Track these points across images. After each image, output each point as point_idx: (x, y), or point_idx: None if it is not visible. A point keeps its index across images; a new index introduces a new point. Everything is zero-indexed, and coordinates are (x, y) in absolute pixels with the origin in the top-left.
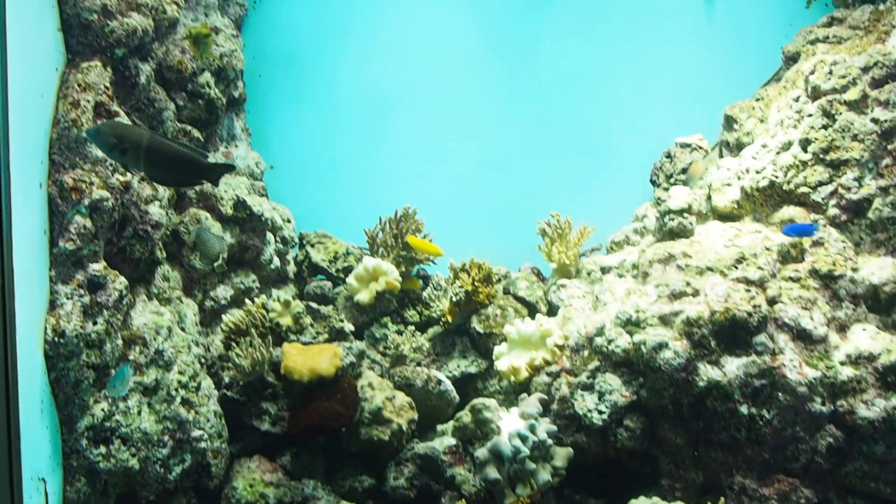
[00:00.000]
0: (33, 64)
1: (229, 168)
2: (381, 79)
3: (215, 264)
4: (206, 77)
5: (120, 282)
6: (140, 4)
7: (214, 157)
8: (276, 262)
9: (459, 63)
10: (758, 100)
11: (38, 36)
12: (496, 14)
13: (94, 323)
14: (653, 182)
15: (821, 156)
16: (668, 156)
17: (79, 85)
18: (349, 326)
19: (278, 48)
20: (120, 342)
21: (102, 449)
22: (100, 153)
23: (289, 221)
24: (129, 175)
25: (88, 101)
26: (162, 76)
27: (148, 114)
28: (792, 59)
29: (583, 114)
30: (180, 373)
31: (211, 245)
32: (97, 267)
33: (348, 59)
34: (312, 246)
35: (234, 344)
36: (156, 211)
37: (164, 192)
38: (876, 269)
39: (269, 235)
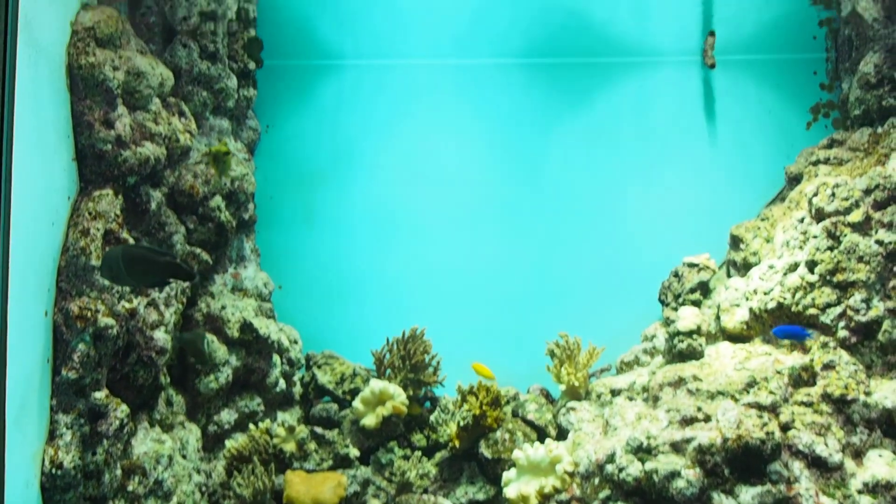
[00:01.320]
0: (46, 193)
1: (191, 275)
2: (390, 199)
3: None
4: (217, 201)
5: (121, 410)
6: (154, 134)
7: (223, 279)
8: (282, 384)
9: (468, 184)
10: (763, 219)
11: (53, 166)
12: (505, 136)
13: (94, 453)
14: (661, 301)
15: (828, 277)
16: (677, 275)
17: (89, 213)
18: (354, 452)
19: (289, 170)
20: (119, 472)
21: None
22: (106, 281)
23: (296, 342)
24: (135, 301)
25: (98, 230)
26: (173, 200)
27: (158, 238)
28: (795, 179)
29: (591, 233)
30: (180, 503)
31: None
32: (99, 395)
33: (358, 179)
34: (319, 367)
35: (236, 471)
36: (161, 336)
37: (171, 316)
38: (889, 392)
39: (276, 357)
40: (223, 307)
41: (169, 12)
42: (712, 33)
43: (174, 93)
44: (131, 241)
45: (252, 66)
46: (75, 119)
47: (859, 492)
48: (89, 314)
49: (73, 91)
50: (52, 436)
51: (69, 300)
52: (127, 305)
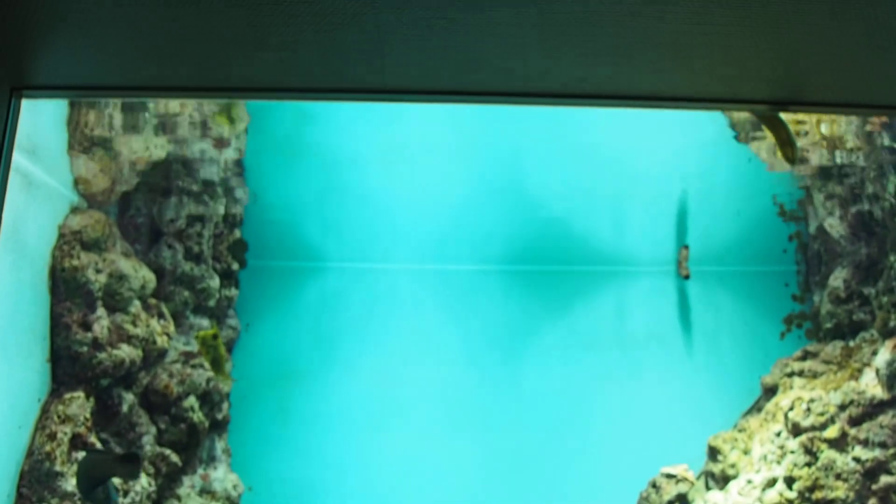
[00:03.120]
0: (17, 396)
1: (135, 457)
2: (367, 400)
3: None
4: (191, 401)
5: None
6: (131, 336)
7: (192, 480)
8: None
9: (445, 387)
10: (740, 430)
11: (26, 368)
12: (484, 340)
13: None
14: None
15: (806, 494)
16: (654, 486)
17: (58, 416)
18: None
19: (266, 368)
20: None
21: None
22: (69, 487)
23: None
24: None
25: (66, 434)
26: (147, 399)
27: (128, 439)
28: (771, 390)
29: (568, 440)
30: None
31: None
32: None
33: (334, 379)
34: None
35: None
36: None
37: None
38: None
39: None
40: None
41: (157, 214)
42: (686, 247)
43: (155, 294)
44: (98, 444)
45: (235, 266)
46: (53, 320)
47: None
48: None
49: (55, 293)
50: None
51: None
52: None
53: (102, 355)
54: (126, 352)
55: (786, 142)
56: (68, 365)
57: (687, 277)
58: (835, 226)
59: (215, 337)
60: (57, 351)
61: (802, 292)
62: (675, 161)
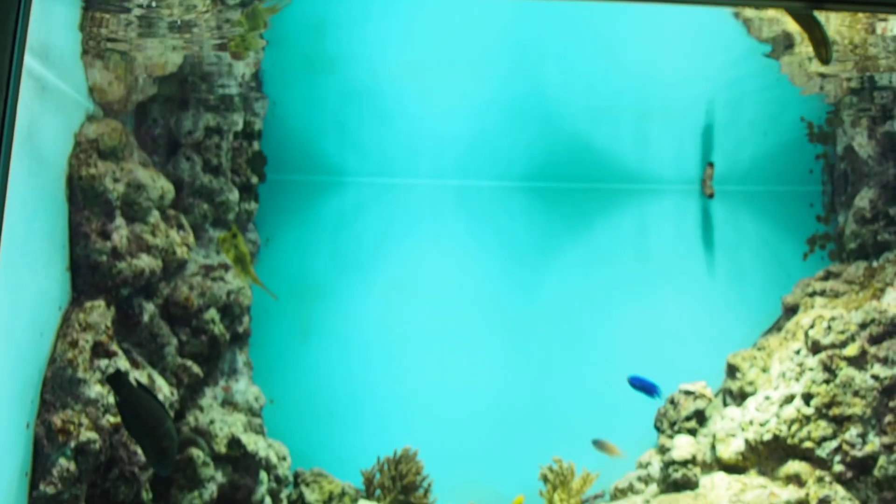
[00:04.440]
0: (37, 303)
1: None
2: (387, 316)
3: None
4: (212, 313)
5: None
6: (151, 246)
7: (213, 392)
8: (269, 501)
9: (466, 303)
10: (759, 349)
11: (46, 276)
12: (504, 257)
13: None
14: (657, 428)
15: (824, 410)
16: (673, 402)
17: (80, 325)
18: None
19: (287, 283)
20: None
21: None
22: (92, 394)
23: (284, 459)
24: (119, 417)
25: (87, 342)
26: (167, 311)
27: (149, 349)
28: (791, 309)
29: (588, 357)
30: None
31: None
32: None
33: (355, 295)
34: (307, 485)
35: None
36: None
37: None
38: None
39: (263, 474)
40: (212, 421)
41: (174, 125)
42: (711, 164)
43: (174, 205)
44: (121, 353)
45: (255, 179)
46: (72, 229)
47: None
48: (72, 428)
49: (72, 201)
50: None
51: (52, 412)
52: (112, 419)
53: (122, 265)
54: (146, 262)
55: (820, 42)
56: (88, 274)
57: (711, 196)
58: (863, 145)
59: (234, 236)
60: (76, 260)
61: (827, 213)
62: (703, 78)
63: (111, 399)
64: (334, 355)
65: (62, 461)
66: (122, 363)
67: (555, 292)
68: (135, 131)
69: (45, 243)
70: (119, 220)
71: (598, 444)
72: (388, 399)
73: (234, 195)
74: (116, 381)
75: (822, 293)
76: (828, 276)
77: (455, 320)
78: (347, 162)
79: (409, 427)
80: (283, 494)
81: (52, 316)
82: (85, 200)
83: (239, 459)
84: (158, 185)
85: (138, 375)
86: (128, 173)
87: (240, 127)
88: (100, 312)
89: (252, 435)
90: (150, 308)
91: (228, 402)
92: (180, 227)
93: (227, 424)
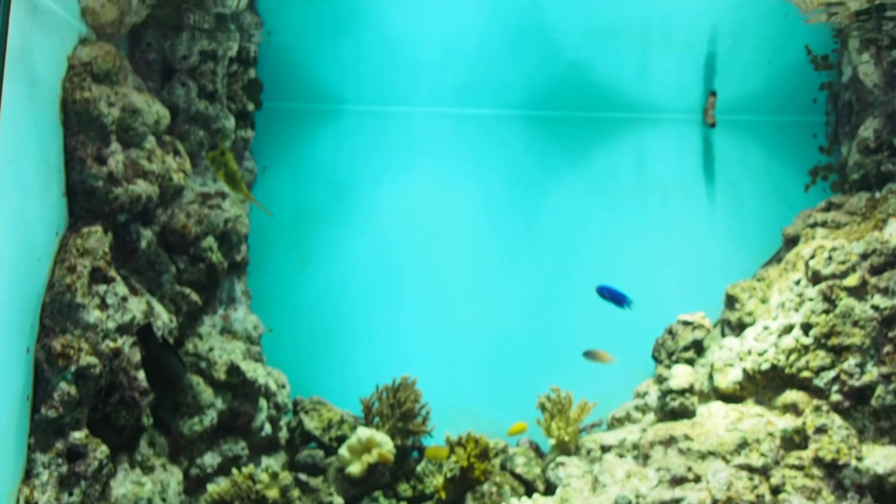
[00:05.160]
0: (34, 228)
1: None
2: (385, 245)
3: None
4: (210, 241)
5: (101, 451)
6: (147, 172)
7: (212, 320)
8: (268, 428)
9: (464, 233)
10: (759, 280)
11: (42, 202)
12: (503, 186)
13: (70, 494)
14: (655, 358)
15: (822, 340)
16: (671, 332)
17: (77, 250)
18: (339, 500)
19: (284, 212)
20: None
21: None
22: (91, 319)
23: (283, 387)
24: (119, 341)
25: (85, 267)
26: (165, 239)
27: (147, 277)
28: (792, 241)
29: (586, 287)
30: None
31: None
32: (78, 435)
33: (353, 224)
34: (306, 413)
35: None
36: (145, 377)
37: None
38: (881, 458)
39: (262, 401)
40: (211, 349)
41: (169, 50)
42: (713, 93)
43: (170, 131)
44: (119, 279)
45: (251, 107)
46: (67, 154)
47: None
48: (72, 352)
49: (67, 126)
50: (29, 475)
51: (52, 337)
52: (111, 344)
53: (118, 190)
54: (142, 188)
55: None
56: (84, 199)
57: (713, 126)
58: (869, 74)
59: (223, 153)
60: (72, 185)
61: (830, 144)
62: (707, 4)
63: (110, 325)
64: (333, 284)
65: (63, 385)
66: (121, 288)
67: (554, 222)
68: (128, 56)
69: (40, 168)
70: (115, 146)
71: (590, 354)
72: (387, 328)
73: (231, 122)
74: (145, 336)
75: (824, 224)
76: (829, 207)
77: (453, 249)
78: (345, 89)
79: (407, 356)
80: (283, 422)
81: (50, 241)
82: (80, 125)
83: (238, 386)
84: (154, 110)
85: (137, 302)
86: (122, 97)
87: (234, 52)
88: (97, 238)
89: (251, 363)
90: (147, 235)
91: (227, 331)
92: (176, 153)
93: (226, 352)
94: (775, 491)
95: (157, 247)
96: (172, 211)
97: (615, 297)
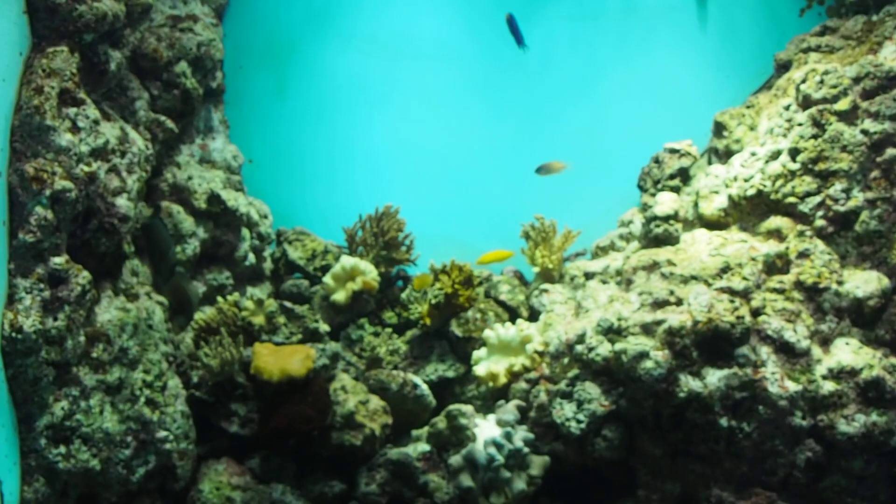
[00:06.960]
0: None
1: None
2: (365, 73)
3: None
4: (183, 66)
5: (83, 276)
6: None
7: (190, 149)
8: (252, 258)
9: (445, 58)
10: (748, 107)
11: (1, 19)
12: (486, 9)
13: (55, 318)
14: (640, 187)
15: (809, 166)
16: (657, 161)
17: (43, 70)
18: (324, 327)
19: (260, 38)
20: (82, 339)
21: (62, 449)
22: (63, 142)
23: (266, 217)
24: (94, 165)
25: (53, 88)
26: (136, 64)
27: (120, 103)
28: (784, 67)
29: (571, 114)
30: (145, 371)
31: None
32: (59, 260)
33: (331, 50)
34: (290, 243)
35: (203, 342)
36: (123, 203)
37: (133, 184)
38: (861, 282)
39: (245, 231)
40: (190, 178)
41: None
42: None
43: None
44: (89, 102)
45: None
46: None
47: (824, 377)
48: (45, 176)
49: None
50: (11, 300)
51: (24, 161)
52: (85, 169)
53: (82, 7)
54: (108, 5)
55: None
56: (47, 18)
57: None
58: None
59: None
60: (33, 2)
61: None
62: None
63: (83, 148)
64: (312, 113)
65: (39, 209)
66: (92, 111)
67: (539, 48)
68: None
69: None
70: None
71: (542, 169)
72: (369, 158)
73: None
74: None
75: (817, 48)
76: (824, 32)
77: (436, 77)
78: None
79: (390, 186)
80: (266, 253)
81: (14, 62)
82: None
83: (220, 216)
84: None
85: (110, 127)
86: None
87: None
88: (63, 58)
89: (232, 192)
90: (116, 56)
91: (206, 160)
92: None
93: (205, 181)
94: (755, 313)
95: (127, 71)
96: (142, 35)
97: (515, 34)
